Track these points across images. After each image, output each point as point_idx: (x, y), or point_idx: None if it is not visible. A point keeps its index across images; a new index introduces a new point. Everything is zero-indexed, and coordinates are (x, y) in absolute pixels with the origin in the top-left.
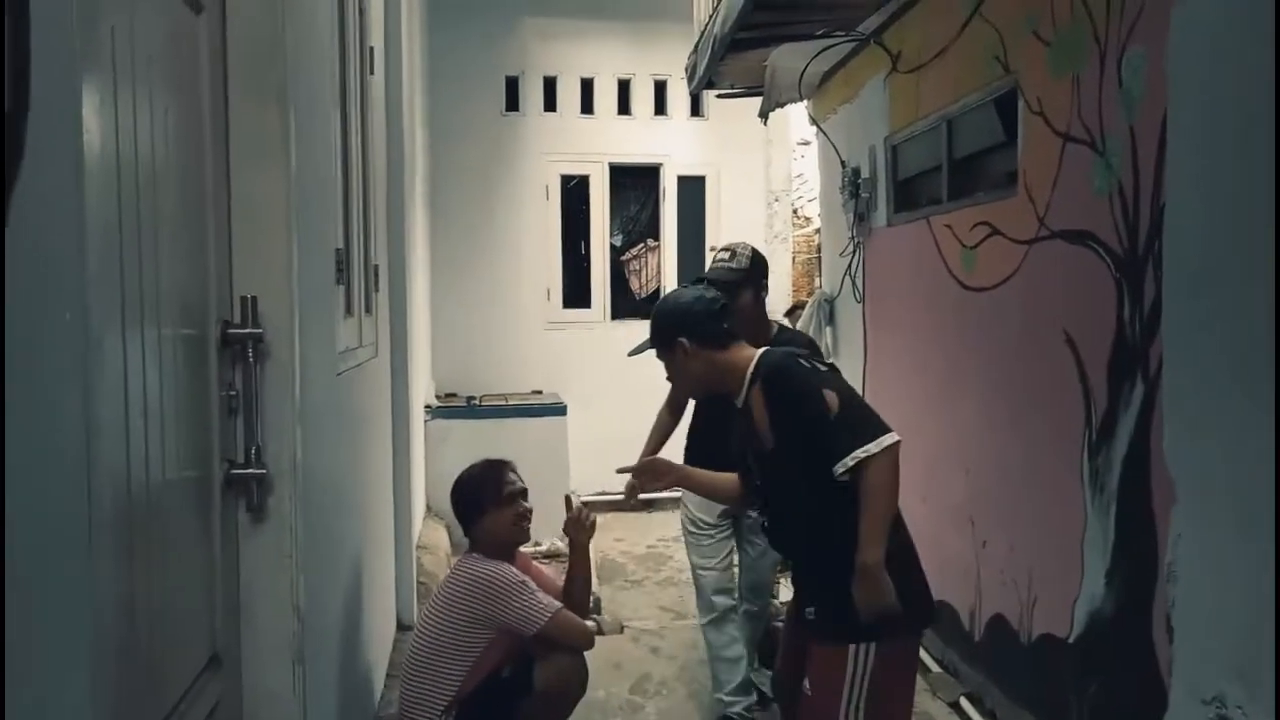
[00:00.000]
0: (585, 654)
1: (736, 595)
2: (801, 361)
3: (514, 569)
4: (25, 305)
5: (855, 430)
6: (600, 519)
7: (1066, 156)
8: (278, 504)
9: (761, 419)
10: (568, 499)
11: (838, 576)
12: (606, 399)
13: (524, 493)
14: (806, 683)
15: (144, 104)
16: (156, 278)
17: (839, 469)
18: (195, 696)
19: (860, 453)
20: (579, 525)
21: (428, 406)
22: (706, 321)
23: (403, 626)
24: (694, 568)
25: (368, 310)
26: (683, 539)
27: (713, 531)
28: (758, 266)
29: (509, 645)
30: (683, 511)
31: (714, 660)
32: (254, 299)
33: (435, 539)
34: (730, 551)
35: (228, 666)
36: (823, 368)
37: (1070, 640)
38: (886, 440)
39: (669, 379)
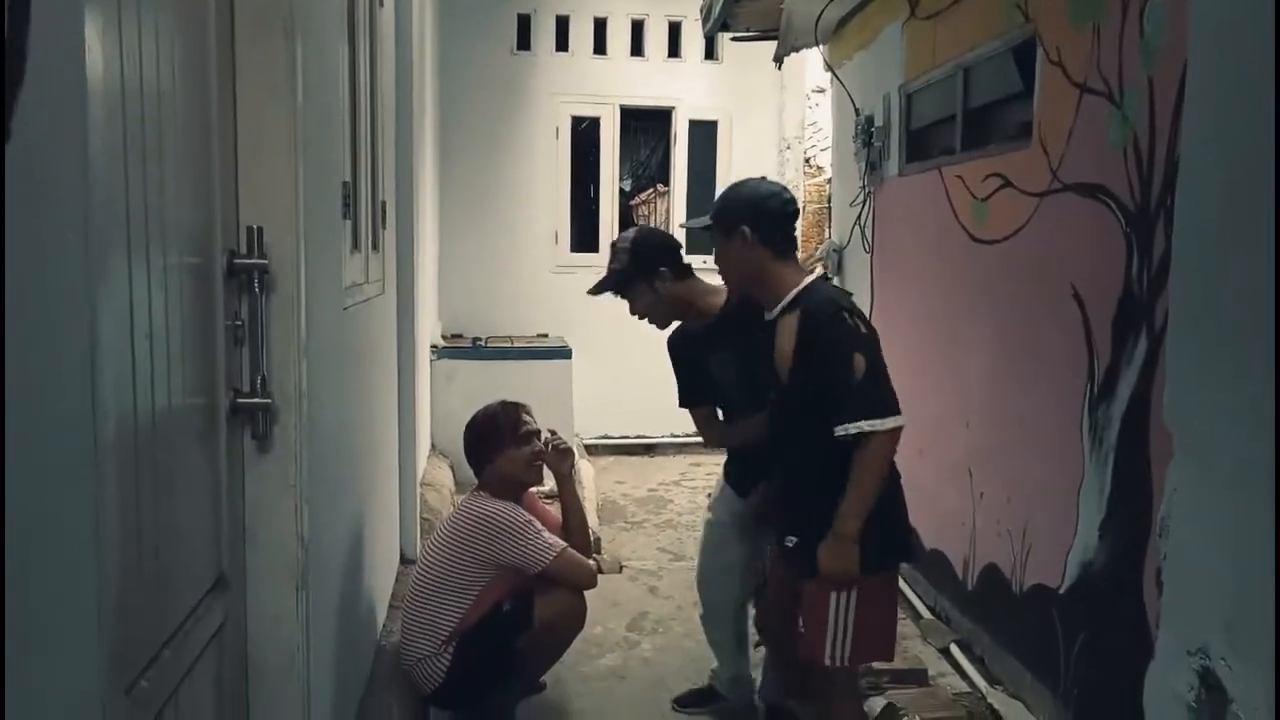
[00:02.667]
0: (585, 592)
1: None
2: (846, 316)
3: (520, 509)
4: (27, 225)
5: (869, 401)
6: (602, 462)
7: (1083, 108)
8: (283, 433)
9: (785, 347)
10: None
11: (819, 518)
12: (612, 343)
13: (539, 434)
14: (800, 621)
15: (149, 31)
16: (162, 205)
17: (839, 431)
18: (202, 615)
19: (866, 425)
20: (555, 455)
21: (434, 346)
22: (779, 221)
23: (405, 560)
24: (699, 567)
25: (375, 247)
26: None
27: (724, 530)
28: (645, 255)
29: (512, 581)
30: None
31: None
32: (259, 229)
33: (439, 476)
34: (739, 556)
35: (234, 588)
36: (864, 329)
37: (1061, 590)
38: (891, 422)
39: (645, 311)
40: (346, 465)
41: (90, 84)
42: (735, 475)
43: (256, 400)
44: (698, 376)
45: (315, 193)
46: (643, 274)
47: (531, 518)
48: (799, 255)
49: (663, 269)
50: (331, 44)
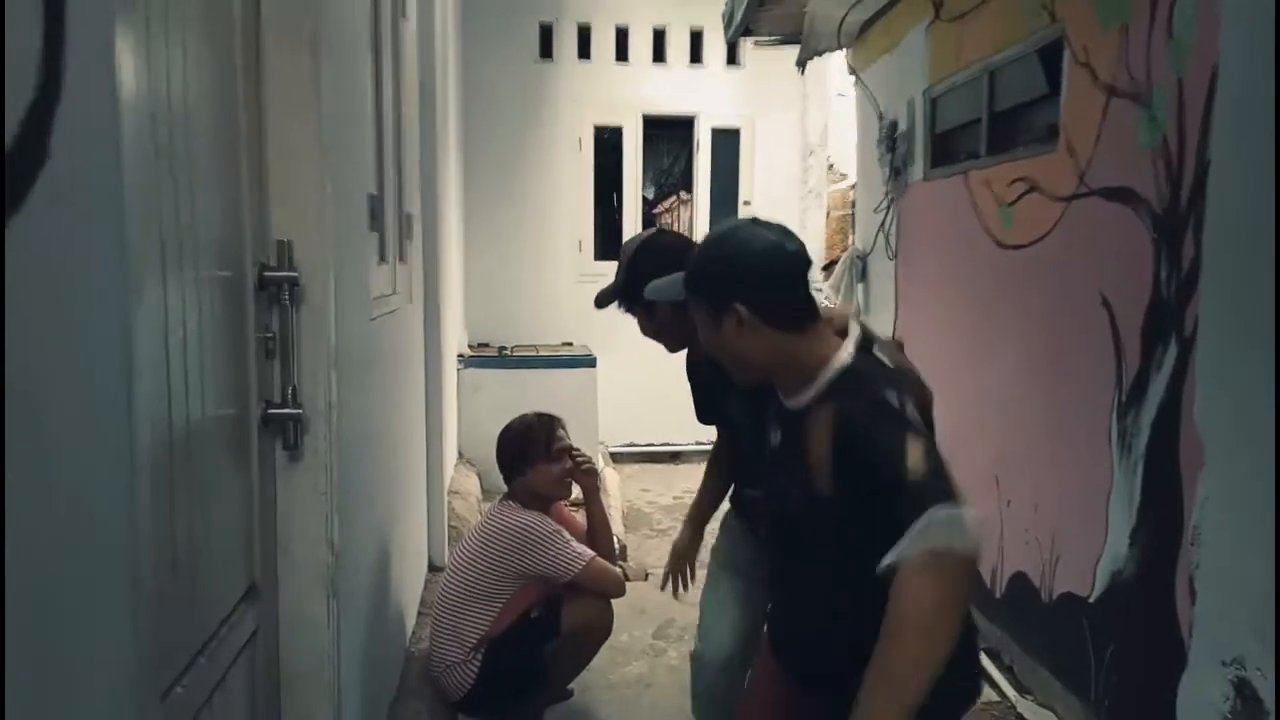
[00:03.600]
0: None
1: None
2: (892, 400)
3: (549, 520)
4: (65, 242)
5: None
6: (628, 470)
7: (1111, 110)
8: (313, 443)
9: (819, 454)
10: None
11: (848, 669)
12: (636, 352)
13: (572, 450)
14: None
15: (177, 48)
16: (193, 220)
17: (891, 559)
18: (235, 623)
19: (911, 550)
20: (582, 474)
21: (460, 355)
22: (784, 286)
23: (434, 568)
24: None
25: (401, 258)
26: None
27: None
28: (648, 267)
29: (540, 589)
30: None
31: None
32: (289, 243)
33: (467, 485)
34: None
35: (265, 596)
36: (913, 415)
37: (1091, 599)
38: (961, 544)
39: (654, 334)
40: (375, 474)
41: (123, 102)
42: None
43: (287, 411)
44: (712, 404)
45: (343, 206)
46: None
47: (560, 527)
48: (822, 294)
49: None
50: (356, 58)
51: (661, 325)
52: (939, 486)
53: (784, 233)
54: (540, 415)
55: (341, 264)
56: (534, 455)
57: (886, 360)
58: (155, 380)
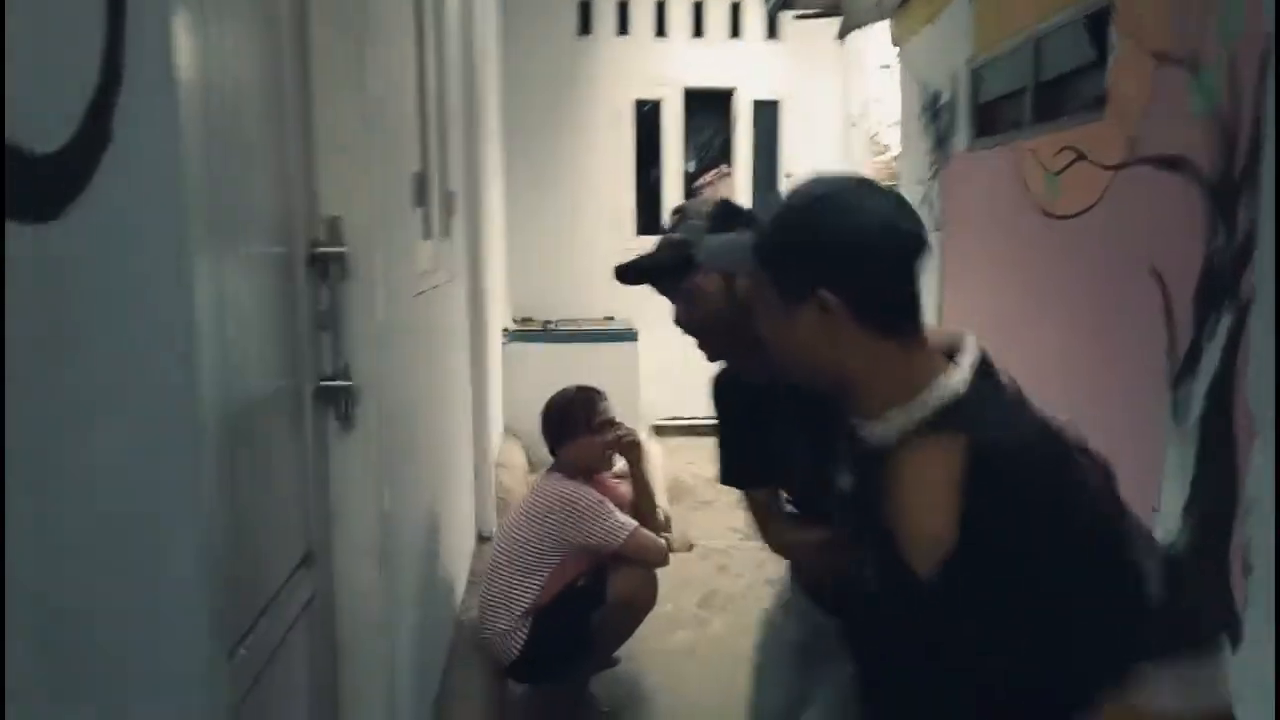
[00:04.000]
0: (657, 570)
1: None
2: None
3: (593, 490)
4: (128, 222)
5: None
6: (672, 443)
7: (1160, 77)
8: (364, 415)
9: (926, 515)
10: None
11: None
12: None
13: (614, 423)
14: None
15: (230, 30)
16: (247, 198)
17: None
18: (293, 588)
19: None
20: (625, 446)
21: (505, 330)
22: (889, 275)
23: (482, 538)
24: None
25: (445, 234)
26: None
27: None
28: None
29: (586, 560)
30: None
31: None
32: (338, 219)
33: (513, 457)
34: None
35: (321, 563)
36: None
37: None
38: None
39: (694, 326)
40: (424, 445)
41: (180, 86)
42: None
43: (339, 383)
44: (749, 445)
45: (388, 183)
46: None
47: (604, 498)
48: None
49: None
50: (400, 38)
51: (707, 314)
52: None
53: (899, 204)
54: (581, 388)
55: (388, 240)
56: (576, 428)
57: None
58: (216, 355)
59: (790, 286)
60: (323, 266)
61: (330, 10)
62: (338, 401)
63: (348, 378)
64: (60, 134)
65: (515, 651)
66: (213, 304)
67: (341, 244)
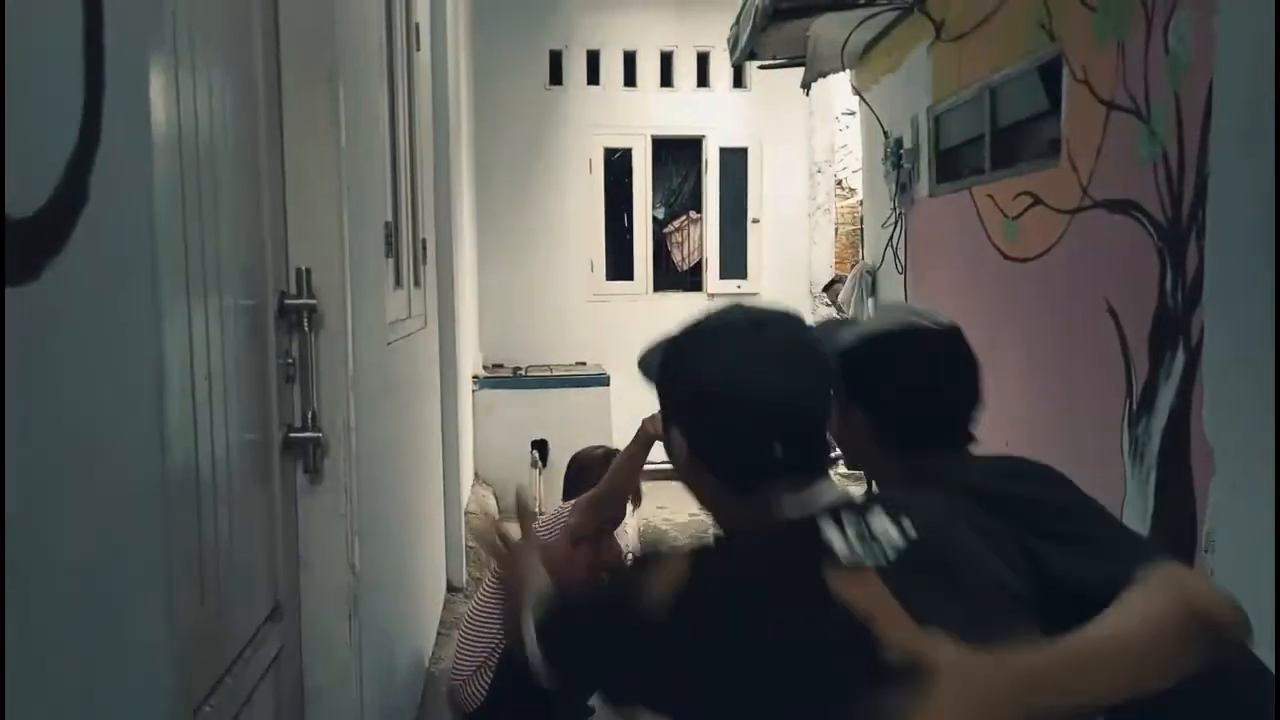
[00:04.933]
0: None
1: None
2: None
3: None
4: (102, 278)
5: None
6: (643, 488)
7: (1111, 124)
8: (333, 466)
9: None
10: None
11: None
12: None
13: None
14: None
15: (202, 83)
16: (217, 249)
17: None
18: (260, 643)
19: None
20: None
21: (475, 376)
22: (732, 433)
23: (452, 588)
24: None
25: (416, 283)
26: None
27: None
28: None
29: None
30: None
31: None
32: (308, 270)
33: (483, 504)
34: None
35: (289, 617)
36: None
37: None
38: None
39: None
40: (394, 495)
41: (155, 142)
42: None
43: (307, 434)
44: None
45: (360, 233)
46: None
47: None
48: (831, 309)
49: None
50: (372, 88)
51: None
52: None
53: (789, 355)
54: (608, 451)
55: (359, 290)
56: (588, 487)
57: None
58: (184, 408)
59: (664, 415)
60: (292, 318)
61: (302, 60)
62: (306, 453)
63: (316, 429)
64: (38, 195)
65: (480, 696)
66: (181, 358)
67: (311, 295)
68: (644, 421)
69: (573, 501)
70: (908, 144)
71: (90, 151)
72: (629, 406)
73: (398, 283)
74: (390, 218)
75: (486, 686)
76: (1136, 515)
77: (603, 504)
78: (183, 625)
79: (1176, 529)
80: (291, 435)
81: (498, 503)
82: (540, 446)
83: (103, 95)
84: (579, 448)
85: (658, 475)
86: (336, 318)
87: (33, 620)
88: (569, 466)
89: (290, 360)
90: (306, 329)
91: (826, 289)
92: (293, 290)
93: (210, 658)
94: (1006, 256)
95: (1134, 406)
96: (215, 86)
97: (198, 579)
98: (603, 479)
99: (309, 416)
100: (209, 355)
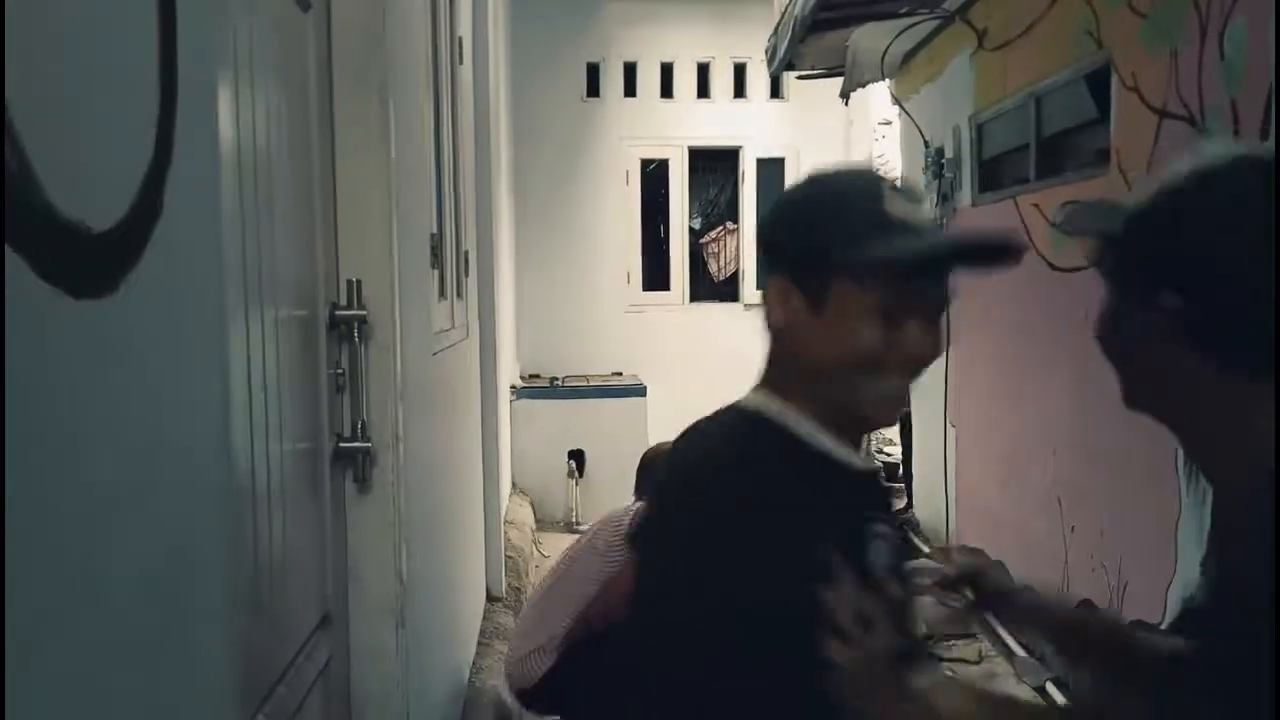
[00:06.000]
0: None
1: None
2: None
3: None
4: (174, 291)
5: None
6: None
7: (1163, 133)
8: (381, 476)
9: None
10: None
11: None
12: (685, 380)
13: None
14: None
15: (260, 99)
16: (274, 262)
17: None
18: (310, 652)
19: None
20: None
21: (512, 387)
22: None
23: (491, 598)
24: None
25: (459, 294)
26: None
27: None
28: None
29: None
30: None
31: None
32: (358, 282)
33: (521, 515)
34: None
35: (337, 626)
36: None
37: (1162, 627)
38: None
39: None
40: (438, 505)
41: (222, 158)
42: None
43: (357, 444)
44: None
45: (407, 245)
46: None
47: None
48: None
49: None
50: (420, 102)
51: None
52: None
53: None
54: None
55: (406, 302)
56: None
57: None
58: (243, 419)
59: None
60: (342, 329)
61: (354, 72)
62: (356, 463)
63: (365, 439)
64: (117, 208)
65: (535, 677)
66: (241, 368)
67: (362, 306)
68: None
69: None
70: (949, 153)
71: (164, 167)
72: (665, 417)
73: (442, 294)
74: (435, 230)
75: (539, 667)
76: (1191, 534)
77: None
78: (241, 631)
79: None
80: (341, 445)
81: (534, 512)
82: (577, 457)
83: (175, 111)
84: (615, 458)
85: None
86: (386, 329)
87: (97, 624)
88: (641, 463)
89: (340, 371)
90: (356, 340)
91: None
92: (343, 301)
93: (265, 665)
94: (1054, 267)
95: None
96: (272, 101)
97: (254, 587)
98: None
99: (359, 426)
100: (264, 366)
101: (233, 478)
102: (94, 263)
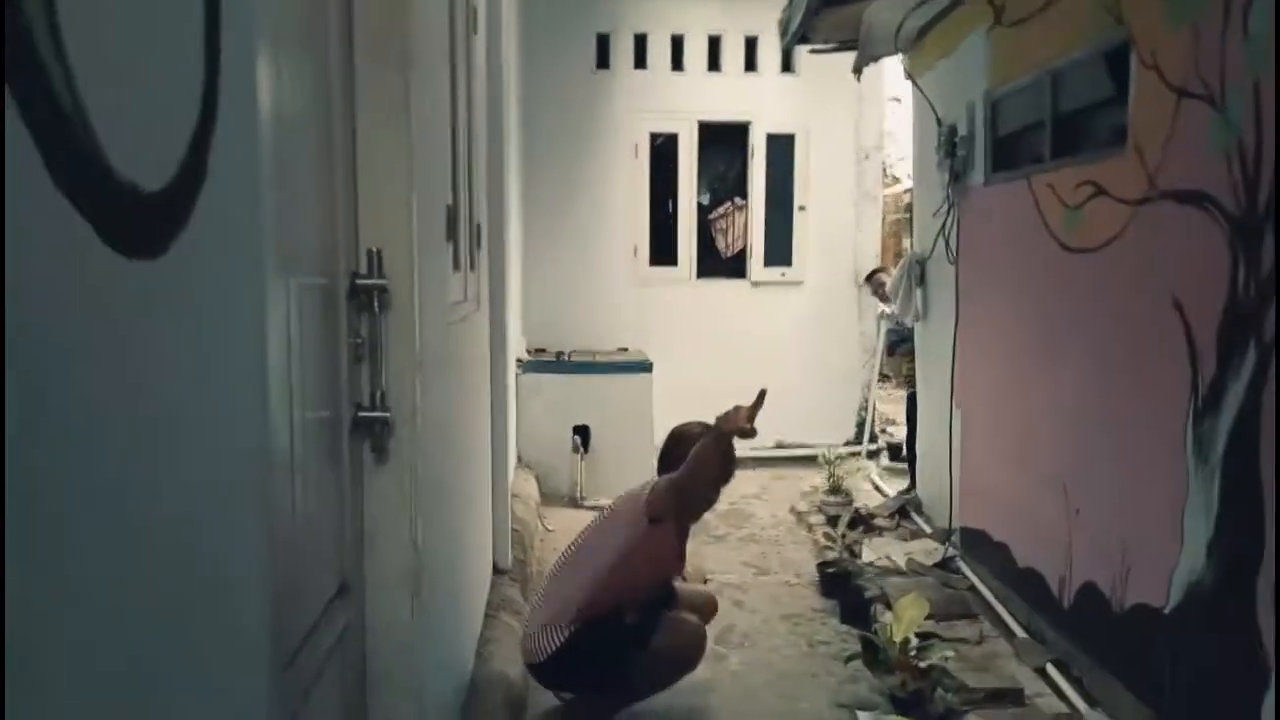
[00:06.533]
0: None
1: None
2: None
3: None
4: (219, 255)
5: None
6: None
7: (1182, 112)
8: (398, 446)
9: None
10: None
11: None
12: (692, 356)
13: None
14: None
15: (287, 69)
16: (301, 229)
17: None
18: (329, 619)
19: None
20: (726, 416)
21: (519, 360)
22: None
23: (498, 570)
24: None
25: (471, 266)
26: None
27: None
28: None
29: (633, 579)
30: None
31: None
32: (379, 251)
33: (526, 489)
34: None
35: (354, 594)
36: None
37: (1166, 611)
38: None
39: None
40: (451, 477)
41: (261, 123)
42: None
43: (376, 414)
44: None
45: (425, 216)
46: None
47: (652, 495)
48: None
49: None
50: (437, 74)
51: None
52: None
53: None
54: (707, 426)
55: (425, 272)
56: (678, 463)
57: None
58: (280, 386)
59: None
60: (362, 298)
61: (375, 44)
62: (374, 432)
63: (384, 409)
64: (166, 170)
65: (547, 653)
66: (277, 334)
67: (382, 276)
68: (719, 419)
69: (659, 479)
70: (962, 131)
71: (209, 130)
72: (670, 393)
73: (456, 265)
74: (450, 201)
75: (555, 646)
76: (1199, 516)
77: (682, 493)
78: (271, 597)
79: (1243, 531)
80: (360, 414)
81: (539, 485)
82: (582, 432)
83: (219, 70)
84: (621, 434)
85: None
86: (405, 299)
87: (136, 582)
88: (666, 440)
89: (360, 340)
90: (376, 309)
91: (869, 279)
92: (364, 270)
93: (289, 632)
94: (1066, 248)
95: (1199, 404)
96: (294, 70)
97: (282, 554)
98: (683, 467)
99: (377, 396)
100: (288, 333)
101: (269, 444)
102: (147, 223)
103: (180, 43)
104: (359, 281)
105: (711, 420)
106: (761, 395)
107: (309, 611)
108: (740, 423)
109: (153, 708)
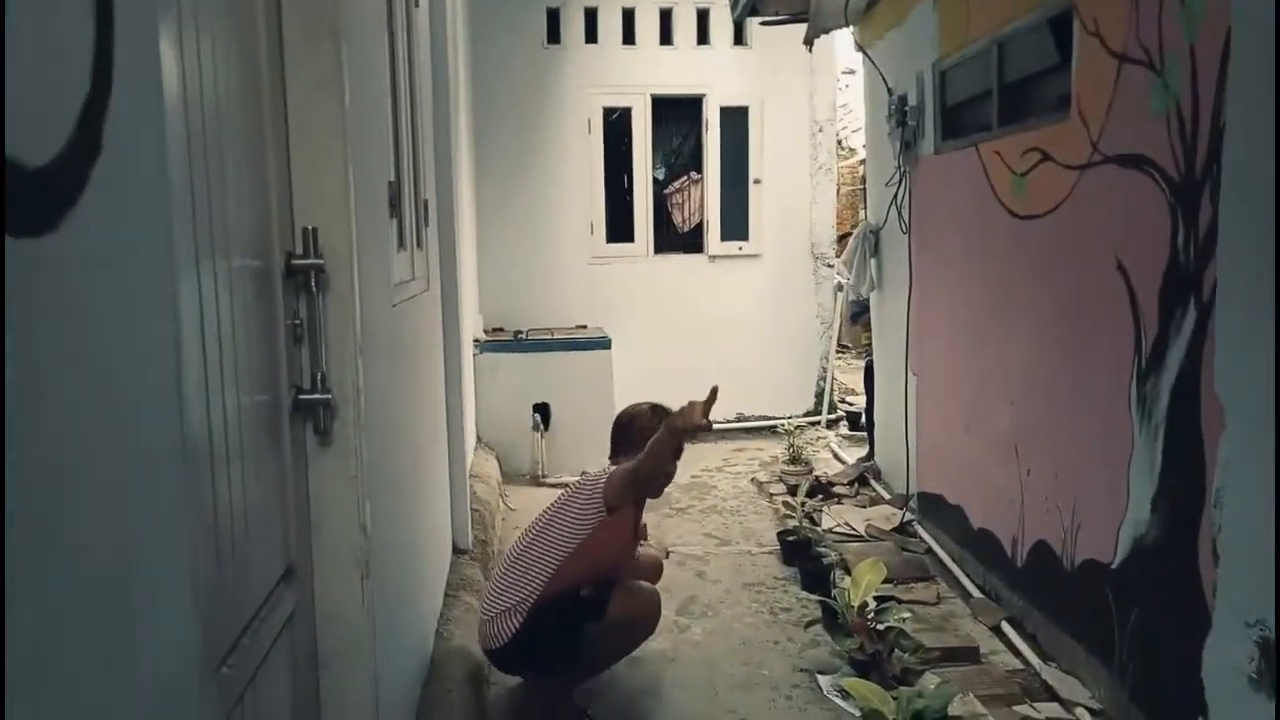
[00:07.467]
0: (653, 591)
1: None
2: None
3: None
4: (116, 233)
5: None
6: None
7: (1123, 78)
8: (342, 428)
9: None
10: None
11: None
12: (650, 333)
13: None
14: None
15: (207, 41)
16: (225, 209)
17: None
18: (274, 604)
19: None
20: (680, 412)
21: (476, 340)
22: None
23: (457, 550)
24: None
25: (419, 244)
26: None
27: None
28: None
29: (590, 562)
30: None
31: None
32: (314, 230)
33: (487, 468)
34: None
35: (301, 578)
36: None
37: (1114, 565)
38: None
39: None
40: (401, 458)
41: (166, 96)
42: None
43: (317, 396)
44: None
45: (364, 193)
46: None
47: (610, 478)
48: (834, 270)
49: None
50: (373, 47)
51: None
52: None
53: None
54: (655, 407)
55: (364, 251)
56: (631, 444)
57: None
58: (197, 369)
59: None
60: (299, 278)
61: (305, 18)
62: (316, 415)
63: (326, 391)
64: (52, 143)
65: (505, 638)
66: (194, 317)
67: (319, 255)
68: (673, 416)
69: (614, 467)
70: (912, 101)
71: (103, 100)
72: (629, 370)
73: (401, 244)
74: (393, 178)
75: (512, 630)
76: (1144, 471)
77: (639, 482)
78: (203, 585)
79: (1185, 485)
80: (301, 397)
81: (500, 465)
82: (542, 410)
83: (112, 39)
84: (581, 411)
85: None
86: (343, 278)
87: (57, 582)
88: (615, 424)
89: (298, 321)
90: (314, 289)
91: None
92: (299, 250)
93: (228, 618)
94: (1014, 214)
95: (1143, 364)
96: (219, 43)
97: (214, 540)
98: (638, 460)
99: (318, 378)
100: (218, 316)
101: (186, 429)
102: (30, 199)
103: (65, 11)
104: (294, 262)
105: (660, 399)
106: (713, 392)
107: (251, 597)
108: (694, 419)
109: (79, 710)
